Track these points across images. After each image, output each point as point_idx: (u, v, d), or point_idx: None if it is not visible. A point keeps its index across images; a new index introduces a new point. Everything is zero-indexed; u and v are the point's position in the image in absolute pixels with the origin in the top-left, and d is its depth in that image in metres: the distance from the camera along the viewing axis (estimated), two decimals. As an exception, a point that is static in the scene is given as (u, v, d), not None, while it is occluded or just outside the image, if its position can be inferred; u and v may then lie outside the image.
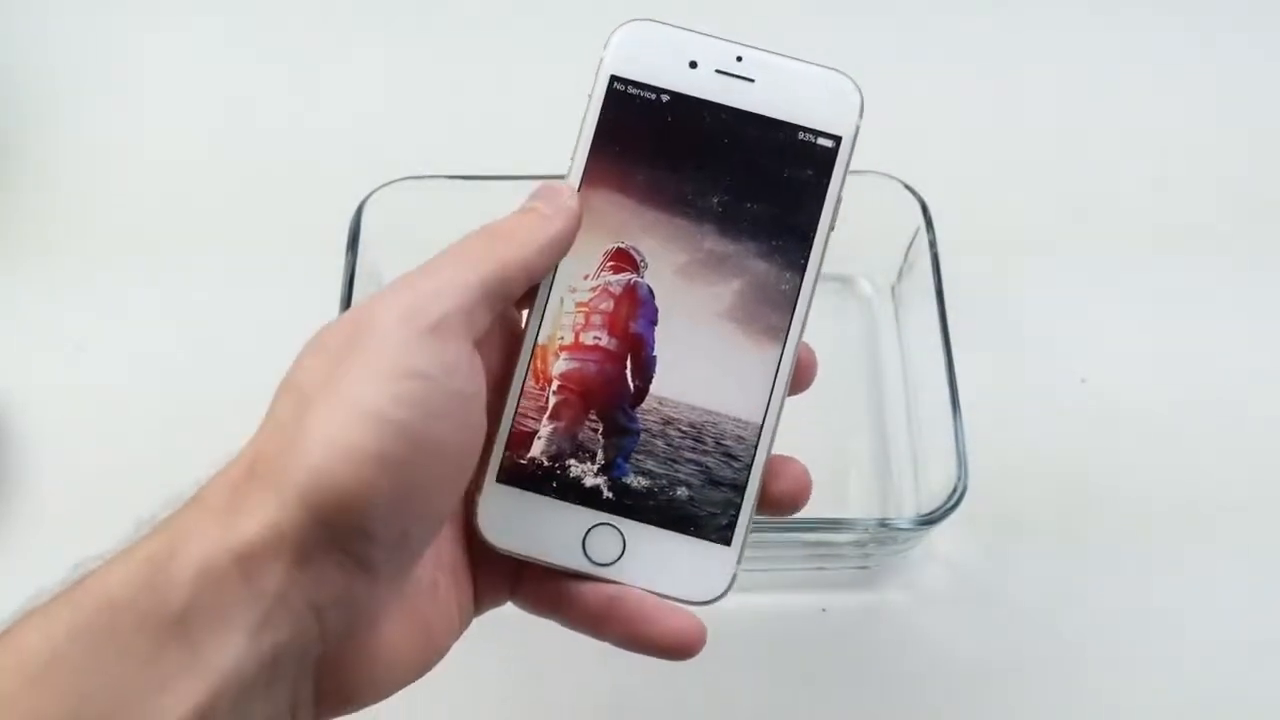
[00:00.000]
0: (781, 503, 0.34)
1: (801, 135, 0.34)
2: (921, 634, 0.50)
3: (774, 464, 0.34)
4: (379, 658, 0.30)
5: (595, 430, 0.33)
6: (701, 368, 0.33)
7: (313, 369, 0.29)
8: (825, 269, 0.56)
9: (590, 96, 0.34)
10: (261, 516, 0.27)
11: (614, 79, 0.34)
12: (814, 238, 0.34)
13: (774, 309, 0.34)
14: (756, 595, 0.50)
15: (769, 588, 0.50)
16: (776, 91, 0.34)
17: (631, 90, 0.34)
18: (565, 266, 0.33)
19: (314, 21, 0.67)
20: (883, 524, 0.45)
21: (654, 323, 0.33)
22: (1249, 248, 0.59)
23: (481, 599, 0.34)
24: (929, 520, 0.45)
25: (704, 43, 0.34)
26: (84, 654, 0.25)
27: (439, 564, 0.32)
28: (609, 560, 0.33)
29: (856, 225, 0.53)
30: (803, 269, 0.34)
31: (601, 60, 0.34)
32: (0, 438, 0.53)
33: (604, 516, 0.33)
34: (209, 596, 0.26)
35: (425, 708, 0.47)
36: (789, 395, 0.34)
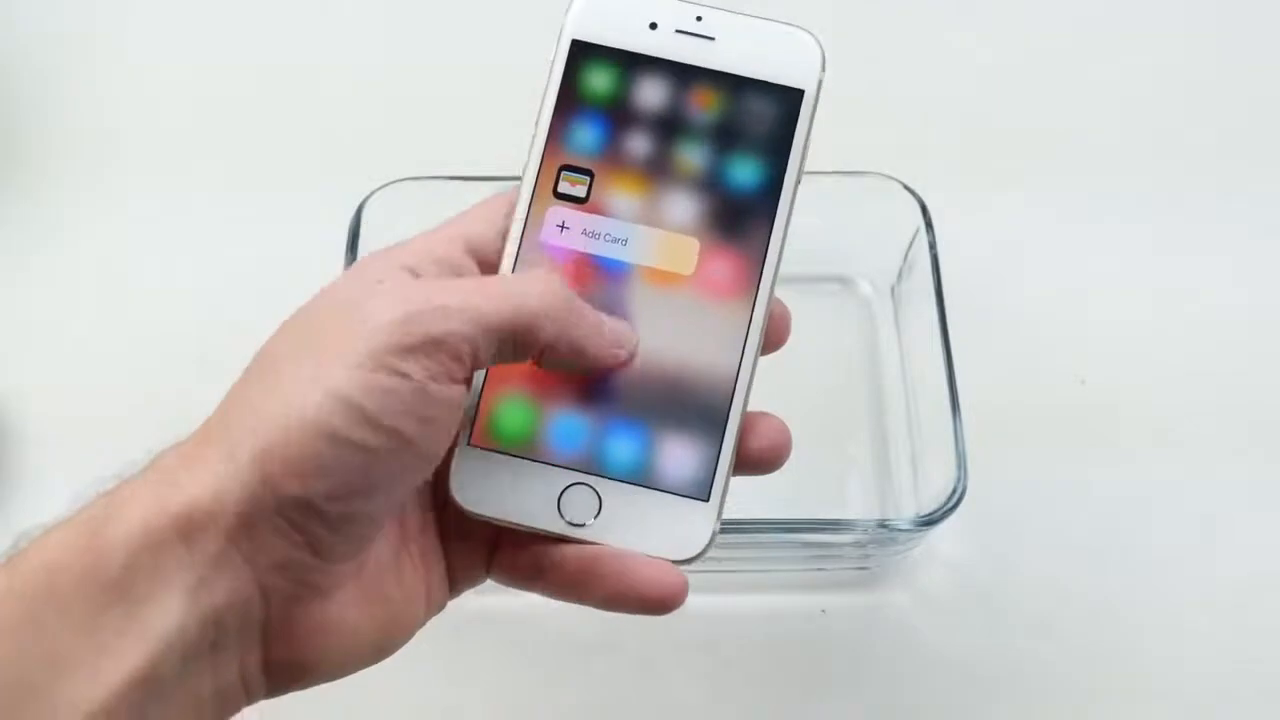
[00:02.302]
0: (761, 460, 0.34)
1: (764, 90, 0.34)
2: (921, 634, 0.50)
3: (752, 420, 0.34)
4: (333, 632, 0.30)
5: (568, 389, 0.33)
6: (673, 324, 0.33)
7: (291, 343, 0.29)
8: (826, 270, 0.57)
9: (552, 62, 0.35)
10: (207, 478, 0.27)
11: (574, 43, 0.34)
12: (781, 192, 0.34)
13: (744, 264, 0.33)
14: (756, 595, 0.50)
15: (769, 588, 0.50)
16: (737, 49, 0.34)
17: (592, 53, 0.34)
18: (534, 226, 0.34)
19: (314, 22, 0.67)
20: (882, 525, 0.45)
21: (624, 280, 0.33)
22: (1260, 257, 0.59)
23: (457, 577, 0.33)
24: (929, 521, 0.45)
25: (663, 4, 0.34)
26: (21, 617, 0.25)
27: (404, 542, 0.32)
28: (586, 520, 0.32)
29: (856, 225, 0.54)
30: (770, 223, 0.34)
31: (562, 26, 0.35)
32: (0, 437, 0.53)
33: (579, 476, 0.32)
34: (147, 557, 0.26)
35: (424, 708, 0.47)
36: (765, 354, 0.34)
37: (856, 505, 0.52)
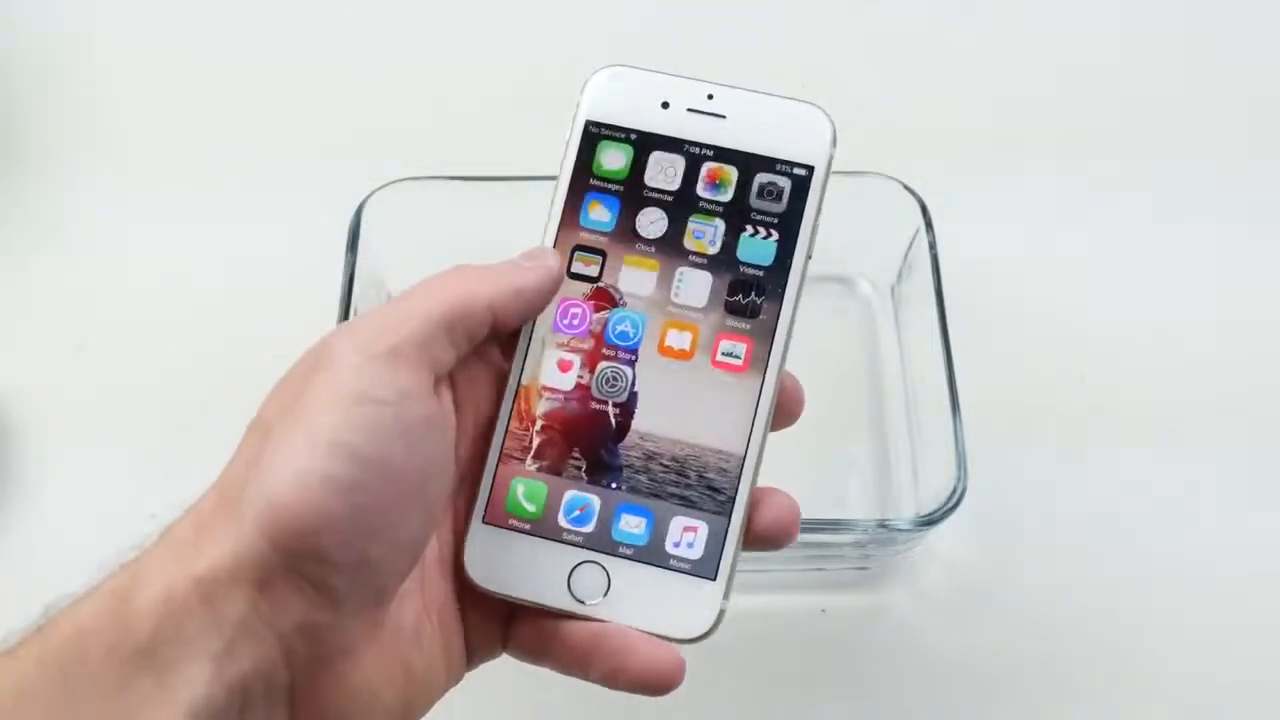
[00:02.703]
0: (769, 536, 0.34)
1: (776, 167, 0.34)
2: (921, 634, 0.50)
3: (760, 495, 0.34)
4: (355, 696, 0.30)
5: (579, 468, 0.33)
6: (683, 402, 0.33)
7: (276, 402, 0.30)
8: (826, 270, 0.57)
9: (567, 142, 0.35)
10: (222, 545, 0.27)
11: (589, 124, 0.35)
12: (791, 268, 0.34)
13: (754, 343, 0.34)
14: (756, 595, 0.50)
15: (769, 588, 0.50)
16: (749, 126, 0.34)
17: (606, 133, 0.35)
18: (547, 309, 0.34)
19: (314, 22, 0.67)
20: (882, 525, 0.45)
21: (634, 360, 0.34)
22: (1261, 257, 0.59)
23: (474, 650, 0.33)
24: (929, 521, 0.45)
25: (675, 83, 0.35)
26: (52, 685, 0.26)
27: (425, 610, 0.32)
28: (594, 599, 0.32)
29: (856, 226, 0.54)
30: (780, 299, 0.34)
31: (577, 106, 0.35)
32: (0, 437, 0.53)
33: (588, 554, 0.33)
34: (172, 625, 0.26)
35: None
36: (775, 429, 0.34)
37: (856, 505, 0.52)
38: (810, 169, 0.34)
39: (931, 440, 0.48)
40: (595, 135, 0.35)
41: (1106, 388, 0.55)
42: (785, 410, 0.34)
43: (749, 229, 0.34)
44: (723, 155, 0.34)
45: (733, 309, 0.34)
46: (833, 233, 0.54)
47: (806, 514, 0.46)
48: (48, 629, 0.27)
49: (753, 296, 0.34)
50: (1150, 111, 0.64)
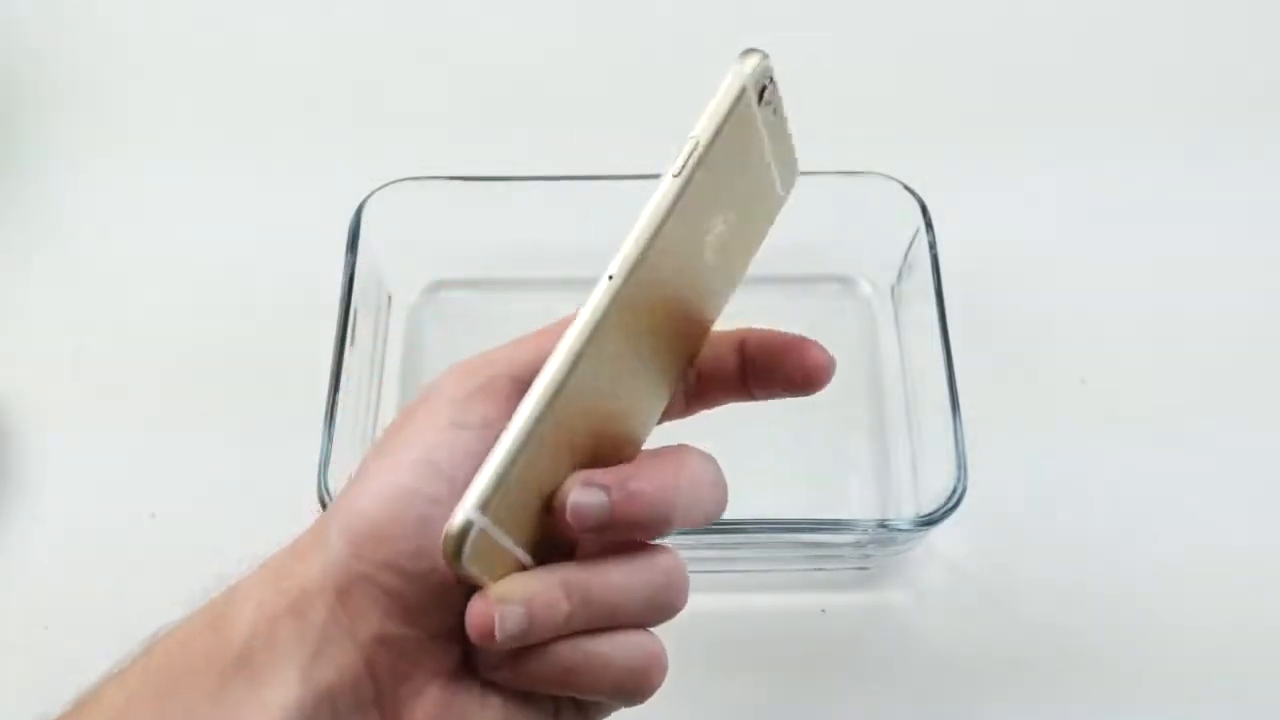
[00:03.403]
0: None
1: None
2: (921, 634, 0.50)
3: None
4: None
5: None
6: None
7: (385, 438, 0.31)
8: (825, 269, 0.56)
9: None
10: (308, 559, 0.29)
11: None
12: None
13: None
14: (756, 595, 0.50)
15: (769, 588, 0.50)
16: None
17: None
18: None
19: (314, 23, 0.67)
20: (882, 525, 0.45)
21: None
22: (1262, 256, 0.59)
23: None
24: (928, 521, 0.45)
25: None
26: (158, 694, 0.28)
27: None
28: None
29: (856, 225, 0.54)
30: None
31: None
32: (0, 437, 0.53)
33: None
34: (264, 635, 0.28)
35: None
36: (802, 394, 0.34)
37: (856, 505, 0.52)
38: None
39: (931, 440, 0.48)
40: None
41: (1106, 388, 0.55)
42: (810, 378, 0.34)
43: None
44: None
45: None
46: (833, 233, 0.54)
47: (807, 514, 0.46)
48: (152, 648, 0.29)
49: None
50: (1151, 112, 0.64)
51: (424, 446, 0.29)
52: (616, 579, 0.30)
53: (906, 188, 0.51)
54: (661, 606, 0.31)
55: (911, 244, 0.52)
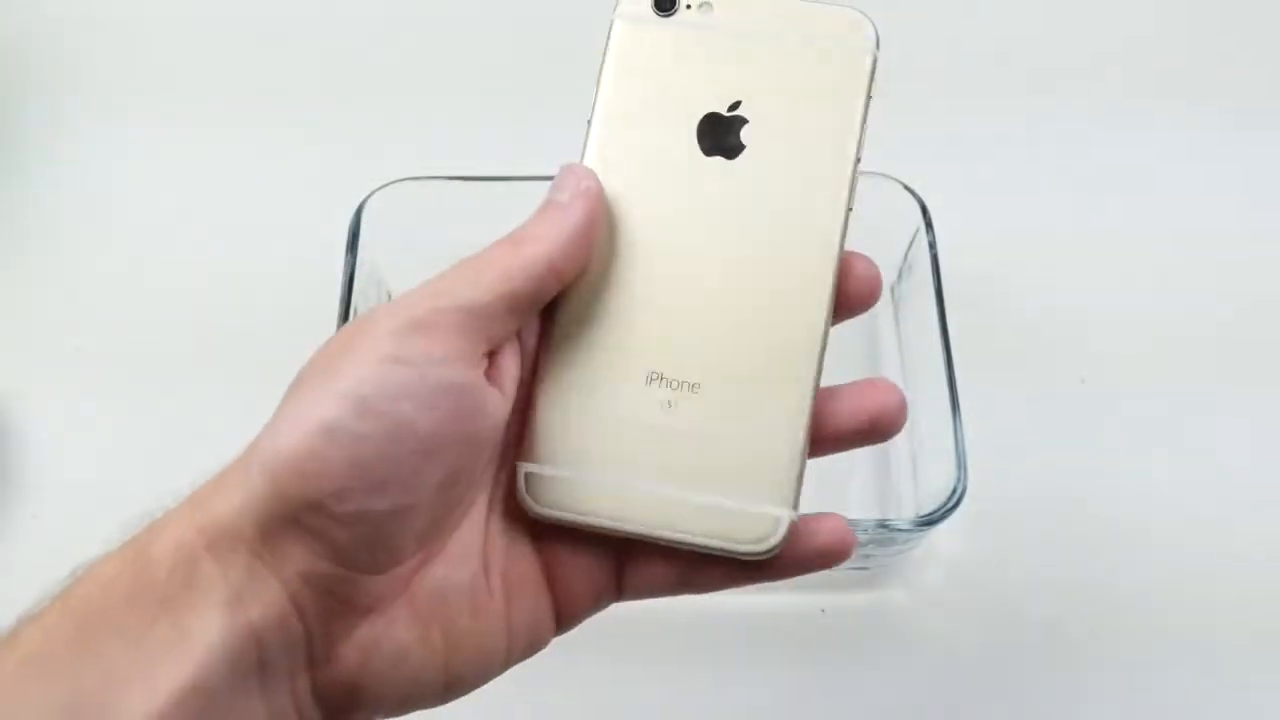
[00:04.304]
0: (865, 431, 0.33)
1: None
2: (921, 634, 0.50)
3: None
4: (382, 654, 0.29)
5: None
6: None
7: (312, 365, 0.29)
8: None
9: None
10: (229, 496, 0.28)
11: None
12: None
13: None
14: (756, 595, 0.50)
15: (769, 588, 0.49)
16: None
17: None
18: None
19: (313, 23, 0.67)
20: (882, 525, 0.45)
21: None
22: (1262, 256, 0.59)
23: (574, 607, 0.32)
24: (929, 521, 0.45)
25: None
26: (76, 637, 0.26)
27: (485, 571, 0.31)
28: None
29: (856, 225, 0.54)
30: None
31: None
32: (0, 438, 0.53)
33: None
34: (183, 573, 0.27)
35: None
36: (853, 314, 0.34)
37: (856, 505, 0.52)
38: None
39: (931, 440, 0.48)
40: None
41: (1106, 388, 0.55)
42: (862, 297, 0.34)
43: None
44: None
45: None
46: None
47: (807, 514, 0.46)
48: (72, 586, 0.27)
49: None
50: (1153, 113, 0.64)
51: (354, 379, 0.28)
52: None
53: (906, 188, 0.51)
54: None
55: (911, 244, 0.52)
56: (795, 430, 0.31)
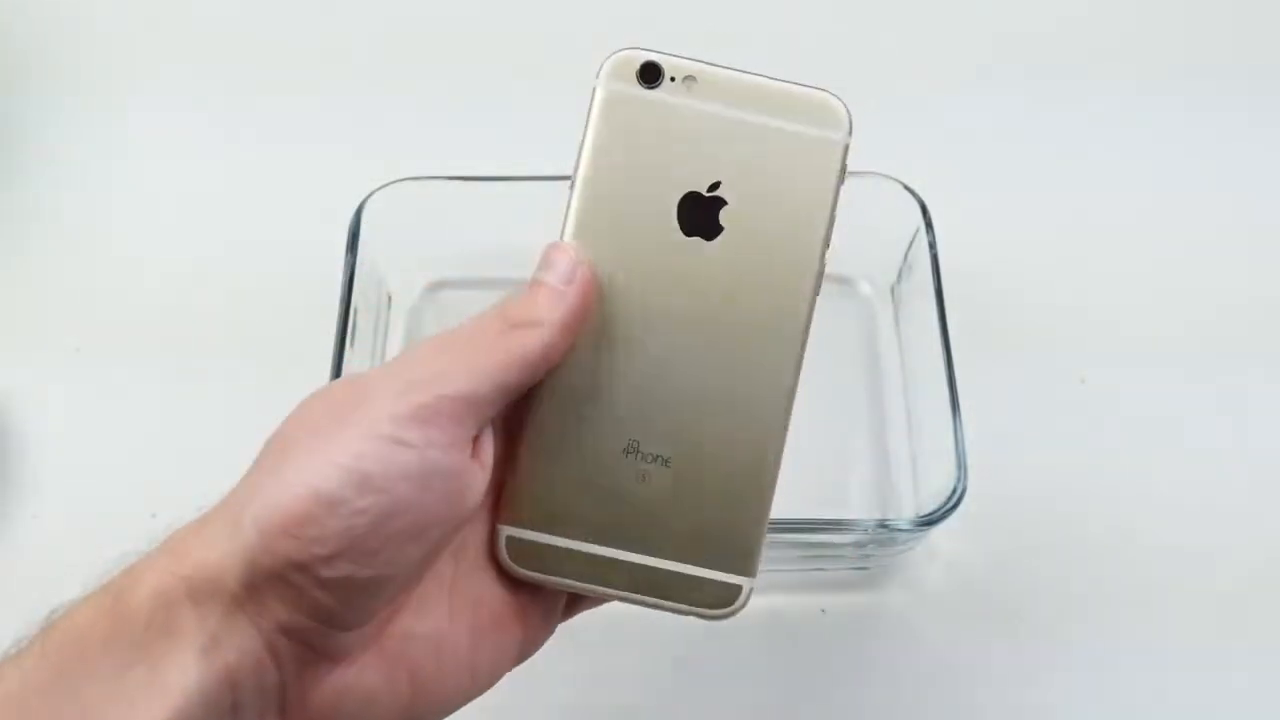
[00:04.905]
0: None
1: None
2: (921, 634, 0.50)
3: None
4: (350, 703, 0.30)
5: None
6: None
7: (302, 424, 0.30)
8: (826, 269, 0.56)
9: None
10: (213, 545, 0.28)
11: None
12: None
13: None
14: (756, 596, 0.49)
15: (769, 588, 0.50)
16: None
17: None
18: None
19: (314, 22, 0.67)
20: (882, 525, 0.45)
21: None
22: (1263, 256, 0.59)
23: (533, 642, 0.34)
24: (928, 521, 0.45)
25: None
26: (54, 681, 0.27)
27: (450, 623, 0.32)
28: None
29: (856, 225, 0.54)
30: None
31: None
32: (0, 438, 0.53)
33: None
34: (161, 618, 0.28)
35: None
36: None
37: (856, 505, 0.52)
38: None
39: (931, 440, 0.49)
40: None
41: (1106, 387, 0.55)
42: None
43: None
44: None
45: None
46: (833, 233, 0.54)
47: (806, 514, 0.46)
48: (50, 630, 0.28)
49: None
50: (1151, 112, 0.64)
51: (354, 454, 0.28)
52: None
53: (906, 188, 0.51)
54: None
55: (911, 244, 0.52)
56: (759, 505, 0.33)
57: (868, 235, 0.54)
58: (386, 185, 0.51)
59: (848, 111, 0.33)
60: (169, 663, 0.27)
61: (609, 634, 0.48)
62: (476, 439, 0.31)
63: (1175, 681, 0.49)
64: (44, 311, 0.57)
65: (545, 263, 0.32)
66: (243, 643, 0.28)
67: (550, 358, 0.31)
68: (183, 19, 0.67)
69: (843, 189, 0.33)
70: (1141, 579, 0.51)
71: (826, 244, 0.33)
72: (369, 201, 0.51)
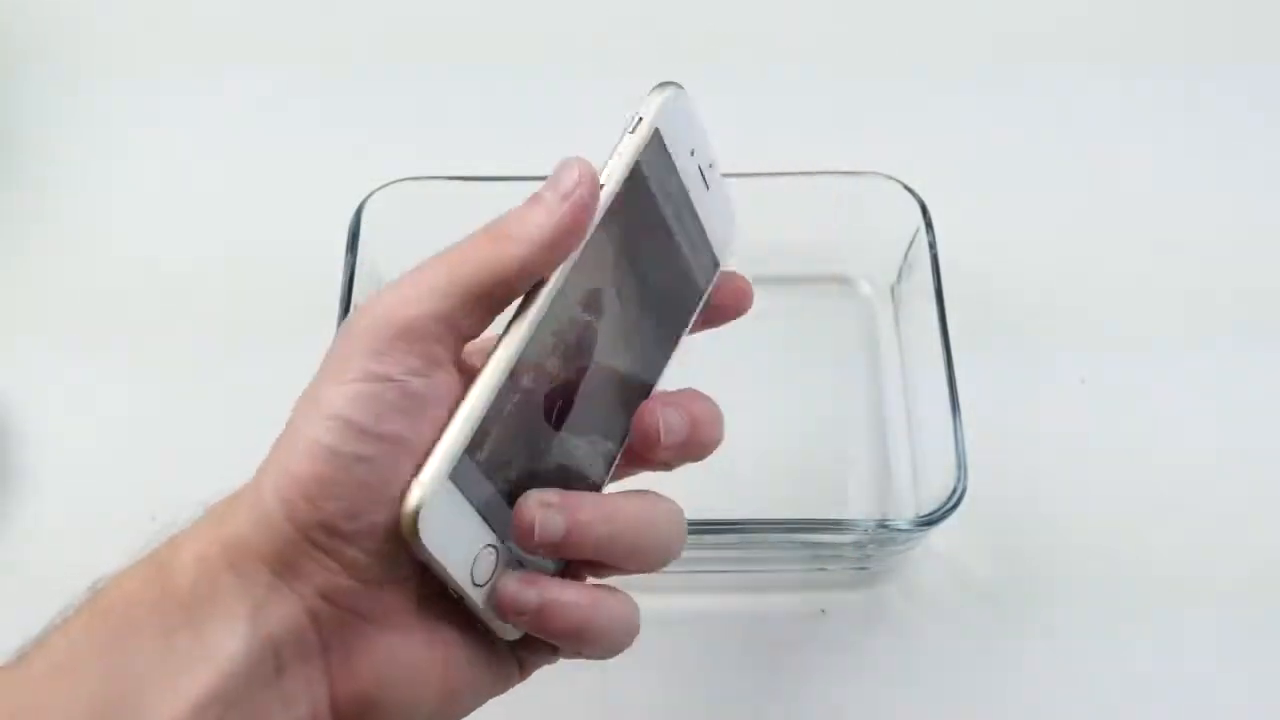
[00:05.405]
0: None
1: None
2: (921, 634, 0.50)
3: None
4: (393, 665, 0.30)
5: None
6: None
7: (311, 385, 0.30)
8: (825, 269, 0.57)
9: (629, 133, 0.33)
10: (245, 514, 0.29)
11: (657, 132, 0.33)
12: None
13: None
14: (756, 596, 0.50)
15: (769, 588, 0.50)
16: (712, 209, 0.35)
17: (658, 151, 0.33)
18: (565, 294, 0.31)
19: (314, 22, 0.67)
20: (882, 525, 0.45)
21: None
22: (1264, 256, 0.59)
23: (525, 659, 0.33)
24: (928, 521, 0.45)
25: (704, 139, 0.34)
26: (102, 645, 0.28)
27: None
28: (482, 582, 0.31)
29: (856, 225, 0.54)
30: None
31: (646, 111, 0.33)
32: (0, 438, 0.53)
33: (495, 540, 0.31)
34: (206, 589, 0.28)
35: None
36: (724, 321, 0.36)
37: (856, 505, 0.52)
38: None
39: (931, 440, 0.48)
40: (654, 148, 0.33)
41: (1106, 388, 0.55)
42: (732, 306, 0.36)
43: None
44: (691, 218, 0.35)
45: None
46: (833, 233, 0.54)
47: (806, 514, 0.46)
48: (96, 597, 0.29)
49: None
50: (1152, 111, 0.64)
51: (340, 402, 0.28)
52: (639, 516, 0.31)
53: (906, 188, 0.51)
54: (670, 549, 0.32)
55: (911, 244, 0.52)
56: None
57: (868, 235, 0.54)
58: (386, 185, 0.51)
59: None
60: (214, 629, 0.28)
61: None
62: (460, 353, 0.30)
63: (1175, 681, 0.49)
64: (44, 311, 0.57)
65: (552, 177, 0.31)
66: (283, 610, 0.28)
67: (529, 272, 0.30)
68: (183, 18, 0.67)
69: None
70: (1141, 579, 0.51)
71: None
72: (369, 201, 0.51)
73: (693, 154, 0.34)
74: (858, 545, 0.47)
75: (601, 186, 0.31)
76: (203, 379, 0.55)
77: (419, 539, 0.29)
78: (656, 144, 0.33)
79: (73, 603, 0.29)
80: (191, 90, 0.65)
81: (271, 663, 0.28)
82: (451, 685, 0.31)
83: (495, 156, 0.53)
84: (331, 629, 0.29)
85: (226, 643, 0.27)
